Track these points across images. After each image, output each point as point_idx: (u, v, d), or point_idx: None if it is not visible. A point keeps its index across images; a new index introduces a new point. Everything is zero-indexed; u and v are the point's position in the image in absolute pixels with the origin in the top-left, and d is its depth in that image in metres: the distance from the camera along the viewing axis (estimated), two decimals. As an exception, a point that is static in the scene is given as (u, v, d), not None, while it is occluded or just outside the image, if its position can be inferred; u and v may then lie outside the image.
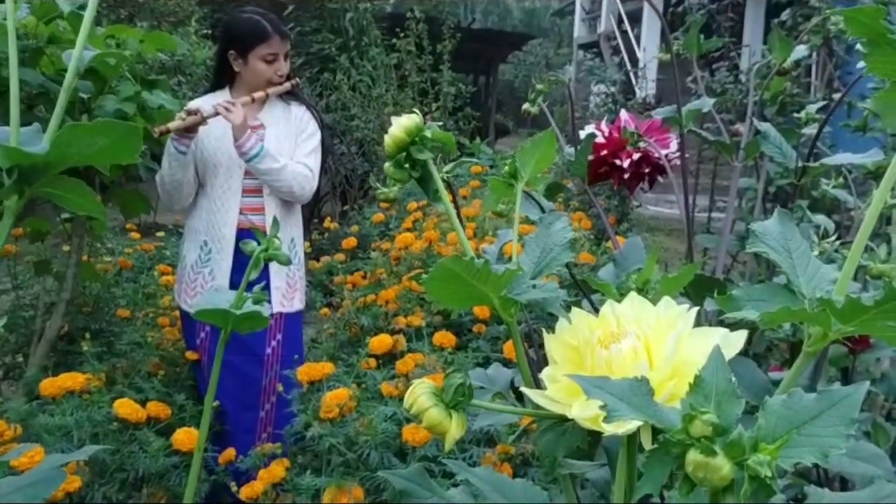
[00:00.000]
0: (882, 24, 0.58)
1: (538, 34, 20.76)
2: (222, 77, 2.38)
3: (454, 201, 0.79)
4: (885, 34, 0.58)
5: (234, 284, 2.26)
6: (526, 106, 1.49)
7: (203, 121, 2.14)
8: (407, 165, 0.68)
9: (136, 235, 3.97)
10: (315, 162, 2.39)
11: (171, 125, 2.09)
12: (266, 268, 2.32)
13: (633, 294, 0.68)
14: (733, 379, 0.49)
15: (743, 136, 1.48)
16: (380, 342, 2.23)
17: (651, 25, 11.16)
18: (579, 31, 16.28)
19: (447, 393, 0.63)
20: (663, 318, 0.65)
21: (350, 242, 3.74)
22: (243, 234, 2.30)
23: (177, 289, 2.42)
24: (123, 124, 0.46)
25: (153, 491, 1.88)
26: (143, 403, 1.94)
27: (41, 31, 2.12)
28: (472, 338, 2.55)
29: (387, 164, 0.68)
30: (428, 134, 0.67)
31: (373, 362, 2.20)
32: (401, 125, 0.66)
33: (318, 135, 2.43)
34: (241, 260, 2.30)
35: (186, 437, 1.82)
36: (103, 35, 2.30)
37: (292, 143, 2.35)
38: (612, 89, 5.28)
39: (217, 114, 2.16)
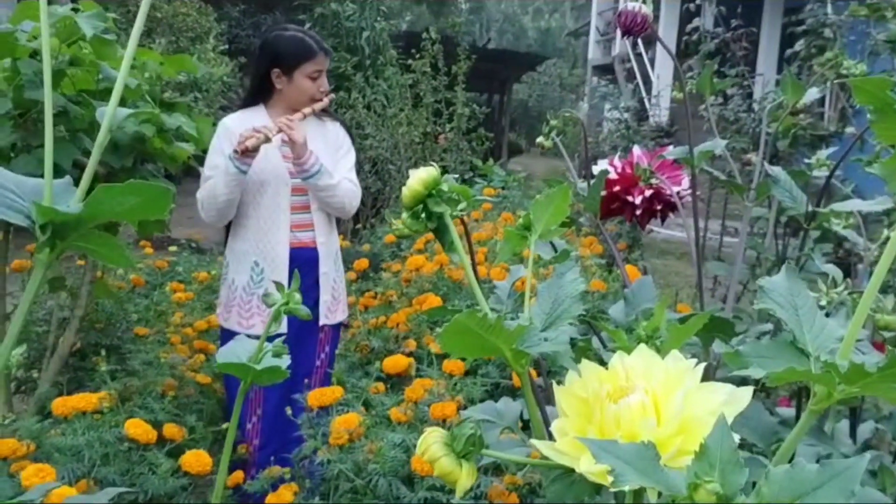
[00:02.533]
0: (888, 95, 0.60)
1: (553, 54, 20.87)
2: (259, 95, 2.40)
3: (469, 244, 0.81)
4: (891, 104, 0.60)
5: None
6: (540, 140, 1.52)
7: (269, 139, 2.17)
8: (423, 216, 0.70)
9: (149, 251, 4.00)
10: (355, 176, 2.43)
11: (250, 143, 2.12)
12: (316, 282, 2.37)
13: (642, 346, 0.69)
14: (737, 441, 0.51)
15: (754, 165, 1.49)
16: (394, 363, 2.22)
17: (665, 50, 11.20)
18: (593, 53, 16.34)
19: (458, 442, 0.64)
20: (672, 373, 0.66)
21: (362, 264, 3.75)
22: (293, 252, 2.33)
23: (222, 312, 2.40)
24: (154, 186, 0.48)
25: (161, 512, 1.89)
26: (153, 424, 1.95)
27: (63, 53, 2.15)
28: (481, 363, 2.55)
29: (404, 215, 0.70)
30: (445, 187, 0.68)
31: (381, 387, 2.20)
32: (419, 178, 0.68)
33: (354, 150, 2.48)
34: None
35: (195, 460, 1.83)
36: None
37: (331, 158, 2.36)
38: (626, 115, 5.30)
39: (280, 131, 2.18)
